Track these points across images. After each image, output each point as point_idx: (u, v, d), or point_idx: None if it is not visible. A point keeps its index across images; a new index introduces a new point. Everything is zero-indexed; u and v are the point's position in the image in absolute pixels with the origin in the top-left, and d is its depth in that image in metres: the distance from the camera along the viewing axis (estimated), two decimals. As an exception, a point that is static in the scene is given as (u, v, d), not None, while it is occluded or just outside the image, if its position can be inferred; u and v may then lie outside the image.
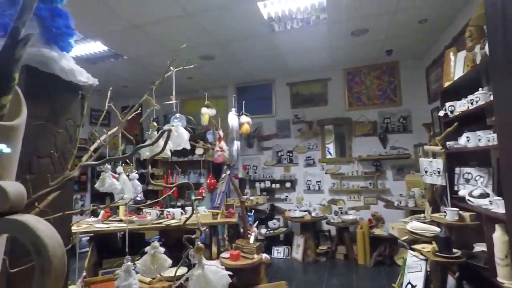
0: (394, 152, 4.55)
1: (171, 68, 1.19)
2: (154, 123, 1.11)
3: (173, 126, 1.04)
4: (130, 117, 1.20)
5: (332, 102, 5.04)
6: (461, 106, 2.48)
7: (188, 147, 1.11)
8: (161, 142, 1.04)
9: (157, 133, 1.18)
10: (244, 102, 3.52)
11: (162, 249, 1.34)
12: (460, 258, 2.09)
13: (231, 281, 0.88)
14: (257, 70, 4.97)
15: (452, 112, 2.63)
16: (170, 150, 1.08)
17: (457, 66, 2.60)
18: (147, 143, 1.00)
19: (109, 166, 1.40)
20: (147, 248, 1.36)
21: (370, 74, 4.85)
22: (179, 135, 1.06)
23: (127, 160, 1.40)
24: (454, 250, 2.12)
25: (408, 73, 4.64)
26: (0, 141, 0.27)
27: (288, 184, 5.07)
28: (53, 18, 0.94)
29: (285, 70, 4.97)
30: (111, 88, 1.36)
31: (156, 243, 1.33)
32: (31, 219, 0.24)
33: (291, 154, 5.22)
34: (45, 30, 0.92)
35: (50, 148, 0.95)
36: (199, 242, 0.90)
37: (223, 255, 3.02)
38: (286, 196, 5.13)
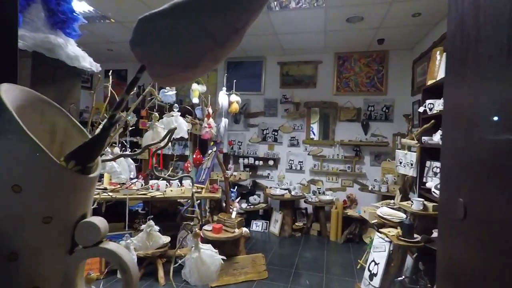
0: (374, 139, 4.77)
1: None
2: (156, 114, 1.15)
3: (173, 116, 1.09)
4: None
5: (320, 85, 5.11)
6: (439, 105, 2.63)
7: (186, 136, 1.17)
8: (163, 132, 1.10)
9: (158, 122, 1.24)
10: (235, 81, 3.52)
11: (157, 228, 1.45)
12: (419, 243, 2.35)
13: (222, 262, 1.00)
14: (250, 46, 4.90)
15: (431, 109, 2.79)
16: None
17: (441, 66, 2.72)
18: (149, 132, 1.06)
19: (109, 150, 1.44)
20: (143, 226, 1.46)
21: (360, 61, 4.92)
22: (179, 125, 1.11)
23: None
24: (415, 236, 2.37)
25: (396, 64, 4.75)
26: (86, 189, 0.34)
27: (271, 162, 5.23)
28: (57, 2, 0.93)
29: (278, 49, 4.93)
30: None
31: (151, 222, 1.43)
32: (115, 247, 0.32)
33: (276, 133, 5.34)
34: (51, 14, 0.92)
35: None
36: (196, 229, 1.00)
37: (205, 227, 3.19)
38: (268, 174, 5.32)
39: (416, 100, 4.17)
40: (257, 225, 4.83)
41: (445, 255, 1.05)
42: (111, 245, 0.32)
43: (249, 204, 4.89)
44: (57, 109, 0.36)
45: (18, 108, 0.29)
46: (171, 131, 0.82)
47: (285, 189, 4.72)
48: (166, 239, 2.54)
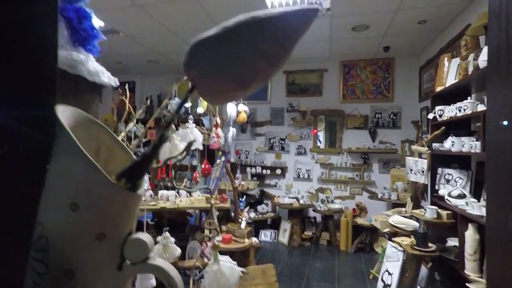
0: (382, 147, 4.74)
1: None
2: (173, 126, 1.17)
3: (188, 128, 1.11)
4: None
5: (326, 93, 5.13)
6: (449, 111, 2.62)
7: (201, 148, 1.18)
8: (180, 145, 1.11)
9: (173, 134, 1.26)
10: (242, 90, 3.55)
11: (173, 239, 1.45)
12: (434, 252, 2.30)
13: (242, 275, 1.00)
14: (255, 56, 4.95)
15: (440, 116, 2.78)
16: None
17: (450, 72, 2.71)
18: (165, 145, 1.07)
19: None
20: (159, 238, 1.46)
21: (366, 69, 4.94)
22: (195, 137, 1.13)
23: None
24: (430, 245, 2.33)
25: (402, 71, 4.75)
26: (133, 206, 0.35)
27: (278, 171, 5.22)
28: (79, 20, 0.96)
29: (283, 58, 4.98)
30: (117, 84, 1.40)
31: (167, 234, 1.44)
32: (162, 263, 0.33)
33: (283, 142, 5.34)
34: (73, 32, 0.95)
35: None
36: (215, 241, 1.00)
37: (215, 237, 3.18)
38: (276, 183, 5.30)
39: (424, 107, 4.15)
40: (266, 235, 4.79)
41: (496, 276, 0.99)
42: (158, 261, 0.33)
43: (257, 213, 4.86)
44: (101, 127, 0.37)
45: (70, 128, 0.30)
46: (190, 144, 0.83)
47: (293, 198, 4.69)
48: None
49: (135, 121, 1.26)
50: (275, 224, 4.96)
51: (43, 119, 0.41)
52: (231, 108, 3.20)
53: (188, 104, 2.16)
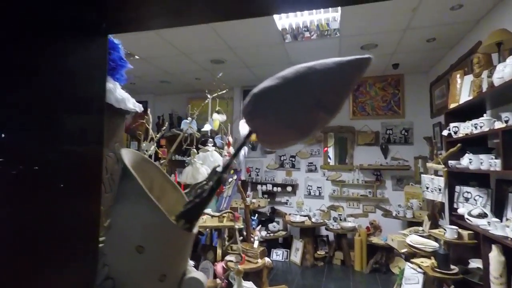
0: (395, 163, 4.67)
1: (208, 95, 1.26)
2: (194, 150, 1.19)
3: (208, 151, 1.13)
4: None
5: (336, 110, 5.14)
6: (465, 128, 2.59)
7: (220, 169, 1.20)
8: (202, 168, 1.13)
9: (195, 158, 1.28)
10: (254, 109, 3.60)
11: (192, 262, 1.43)
12: (457, 274, 2.21)
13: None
14: (265, 75, 5.02)
15: (455, 132, 2.75)
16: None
17: (463, 89, 2.71)
18: (188, 168, 1.09)
19: None
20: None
21: (375, 85, 4.96)
22: (215, 160, 1.14)
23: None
24: (452, 267, 2.24)
25: (412, 87, 4.75)
26: (190, 245, 0.36)
27: (289, 188, 5.18)
28: (108, 51, 1.01)
29: (292, 76, 5.06)
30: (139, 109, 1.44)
31: (191, 262, 1.43)
32: (201, 277, 0.34)
33: (293, 159, 5.33)
34: (102, 62, 1.00)
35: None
36: (239, 266, 0.99)
37: (227, 257, 3.13)
38: (287, 200, 5.25)
39: (436, 123, 4.11)
40: (278, 254, 4.69)
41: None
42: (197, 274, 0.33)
43: (269, 232, 4.78)
44: (154, 167, 0.39)
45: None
46: (215, 170, 0.85)
47: (305, 216, 4.62)
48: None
49: (155, 144, 1.29)
50: (286, 243, 4.86)
51: (91, 152, 0.45)
52: (243, 127, 3.23)
53: (207, 127, 2.22)
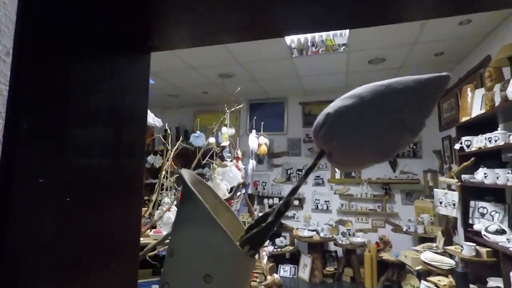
0: (404, 177, 4.61)
1: (226, 110, 1.26)
2: (214, 165, 1.18)
3: (227, 166, 1.12)
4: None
5: (343, 123, 5.13)
6: (478, 142, 2.56)
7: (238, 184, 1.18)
8: (222, 184, 1.11)
9: (215, 173, 1.27)
10: (262, 123, 3.61)
11: None
12: (477, 294, 2.13)
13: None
14: (273, 89, 5.08)
15: (468, 146, 2.71)
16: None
17: (474, 103, 2.69)
18: (208, 183, 1.07)
19: (165, 200, 1.48)
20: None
21: (382, 99, 4.96)
22: (234, 175, 1.13)
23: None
24: (471, 286, 2.16)
25: (420, 100, 4.74)
26: (251, 271, 0.34)
27: (296, 202, 5.11)
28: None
29: (299, 90, 5.09)
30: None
31: None
32: None
33: (300, 173, 5.28)
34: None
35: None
36: (262, 286, 0.96)
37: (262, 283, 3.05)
38: (294, 214, 5.17)
39: (445, 136, 4.08)
40: (285, 270, 4.58)
41: None
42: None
43: (276, 247, 4.69)
44: (207, 187, 0.38)
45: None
46: (239, 185, 0.83)
47: (313, 231, 4.53)
48: None
49: (171, 158, 1.29)
50: (294, 258, 4.75)
51: (135, 165, 0.46)
52: (253, 141, 3.23)
53: (212, 140, 2.22)
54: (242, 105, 1.86)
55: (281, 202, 0.36)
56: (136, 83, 0.48)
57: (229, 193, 0.83)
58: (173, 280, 0.30)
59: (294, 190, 0.36)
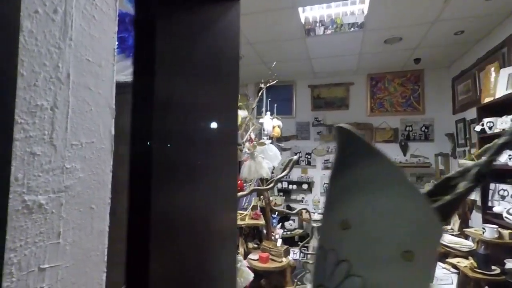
0: (415, 160, 4.57)
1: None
2: (254, 142, 1.12)
3: (265, 144, 1.06)
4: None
5: (353, 106, 5.05)
6: (502, 123, 2.49)
7: (277, 164, 1.12)
8: (264, 163, 1.06)
9: (256, 150, 1.22)
10: (276, 105, 3.53)
11: (245, 263, 1.37)
12: (499, 275, 2.13)
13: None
14: (281, 71, 4.95)
15: (490, 128, 2.65)
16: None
17: (499, 83, 2.61)
18: (249, 162, 1.02)
19: None
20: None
21: (394, 81, 4.85)
22: (273, 154, 1.07)
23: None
24: (493, 267, 2.16)
25: (433, 82, 4.64)
26: None
27: (305, 186, 5.10)
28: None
29: (308, 72, 4.97)
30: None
31: (240, 257, 1.36)
32: None
33: (309, 156, 5.24)
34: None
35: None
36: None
37: (251, 256, 3.06)
38: (303, 198, 5.17)
39: (460, 119, 4.01)
40: (295, 253, 4.61)
41: None
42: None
43: (285, 230, 4.72)
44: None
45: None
46: (293, 161, 0.78)
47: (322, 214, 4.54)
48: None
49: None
50: (302, 241, 4.78)
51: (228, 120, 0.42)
52: (267, 123, 3.15)
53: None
54: (275, 81, 1.78)
55: (480, 162, 0.30)
56: (228, 33, 0.42)
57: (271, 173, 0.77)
58: (356, 258, 0.25)
59: (500, 149, 0.31)
